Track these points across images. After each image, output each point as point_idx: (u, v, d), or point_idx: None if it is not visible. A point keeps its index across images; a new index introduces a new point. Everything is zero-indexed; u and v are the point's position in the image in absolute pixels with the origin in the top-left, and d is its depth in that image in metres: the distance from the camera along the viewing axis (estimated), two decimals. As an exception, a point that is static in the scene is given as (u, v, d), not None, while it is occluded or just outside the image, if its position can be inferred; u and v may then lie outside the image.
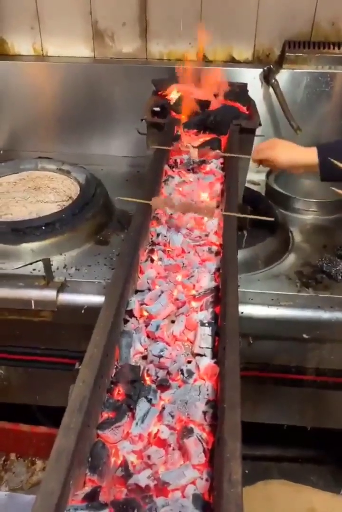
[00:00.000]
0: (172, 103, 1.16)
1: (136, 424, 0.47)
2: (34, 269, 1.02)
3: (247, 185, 1.30)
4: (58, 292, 0.92)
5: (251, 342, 0.97)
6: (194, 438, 0.45)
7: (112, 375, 0.53)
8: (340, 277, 1.05)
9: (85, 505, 0.39)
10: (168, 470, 0.44)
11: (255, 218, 0.88)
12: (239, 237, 1.11)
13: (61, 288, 0.94)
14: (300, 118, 1.45)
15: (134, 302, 0.61)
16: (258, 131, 1.13)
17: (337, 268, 1.07)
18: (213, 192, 0.89)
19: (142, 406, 0.48)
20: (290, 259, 1.15)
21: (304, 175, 1.49)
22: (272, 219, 1.11)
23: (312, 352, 1.00)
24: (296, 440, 1.25)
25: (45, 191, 1.33)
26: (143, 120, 1.08)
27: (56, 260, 1.06)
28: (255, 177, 1.51)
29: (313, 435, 1.15)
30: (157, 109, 1.11)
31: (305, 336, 0.94)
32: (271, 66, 1.47)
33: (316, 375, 1.02)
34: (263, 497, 0.62)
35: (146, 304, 0.62)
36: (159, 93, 1.23)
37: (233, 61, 1.57)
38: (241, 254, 1.06)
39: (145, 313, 0.61)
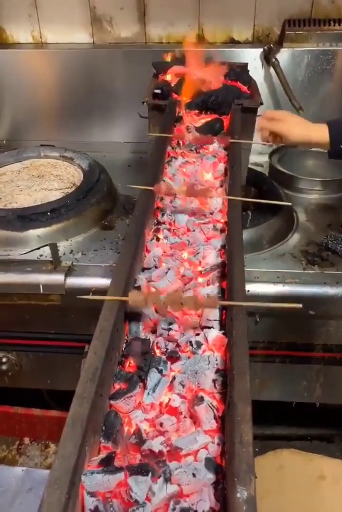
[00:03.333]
0: (172, 85, 1.16)
1: (148, 393, 0.48)
2: (41, 255, 1.03)
3: (250, 166, 1.30)
4: (65, 275, 0.93)
5: (258, 320, 0.98)
6: (205, 405, 0.46)
7: (123, 349, 0.54)
8: (345, 253, 1.05)
9: (101, 470, 0.40)
10: (180, 436, 0.45)
11: (270, 203, 0.88)
12: (244, 217, 1.11)
13: (69, 272, 0.95)
14: (301, 97, 1.44)
15: (142, 279, 0.62)
16: (260, 110, 1.13)
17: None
18: (216, 172, 0.89)
19: (153, 376, 0.49)
20: (295, 238, 1.15)
21: (308, 154, 1.51)
22: (289, 203, 1.12)
23: (319, 329, 1.00)
24: (305, 418, 1.27)
25: (49, 178, 1.34)
26: (145, 103, 1.08)
27: (63, 246, 1.07)
28: (258, 158, 1.51)
29: (322, 412, 1.16)
30: (158, 91, 1.11)
31: (311, 312, 0.95)
32: (271, 45, 1.46)
33: (323, 351, 1.03)
34: (273, 466, 0.63)
35: (154, 281, 0.63)
36: (160, 75, 1.23)
37: (232, 42, 1.56)
38: (246, 234, 1.07)
39: (153, 290, 0.62)
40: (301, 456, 0.65)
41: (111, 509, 0.39)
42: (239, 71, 1.24)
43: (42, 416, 1.22)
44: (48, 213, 1.08)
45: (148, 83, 1.20)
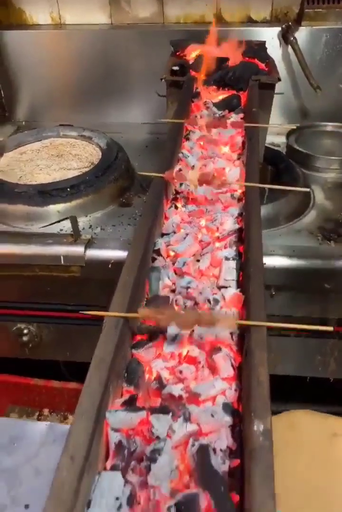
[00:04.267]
0: (190, 62, 1.17)
1: (168, 343, 0.50)
2: (61, 229, 1.06)
3: (267, 145, 1.30)
4: (85, 247, 0.96)
5: (273, 293, 0.99)
6: (222, 354, 0.48)
7: (144, 305, 0.56)
8: (362, 230, 1.06)
9: (124, 408, 0.42)
10: (199, 384, 0.47)
11: (288, 189, 0.89)
12: (260, 193, 1.12)
13: (89, 244, 0.97)
14: (319, 76, 1.43)
15: (161, 243, 0.64)
16: (277, 88, 1.13)
17: (359, 221, 1.08)
18: (234, 145, 0.90)
19: (173, 328, 0.51)
20: (311, 215, 1.15)
21: (325, 134, 1.50)
22: (308, 189, 1.12)
23: (334, 303, 1.01)
24: (319, 394, 1.28)
25: (68, 158, 1.36)
26: (163, 79, 1.09)
27: (82, 221, 1.09)
28: (276, 139, 1.50)
29: (336, 388, 1.17)
30: (176, 68, 1.12)
31: (326, 286, 0.96)
32: (290, 23, 1.45)
33: (337, 325, 1.04)
34: (287, 425, 0.65)
35: (172, 245, 0.65)
36: (177, 53, 1.24)
37: (250, 22, 1.55)
38: (262, 210, 1.05)
39: (171, 253, 0.64)
40: (315, 415, 0.67)
41: (134, 444, 0.41)
42: (257, 49, 1.24)
43: (61, 388, 1.26)
44: (68, 189, 1.11)
45: (165, 64, 1.21)
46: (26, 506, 0.57)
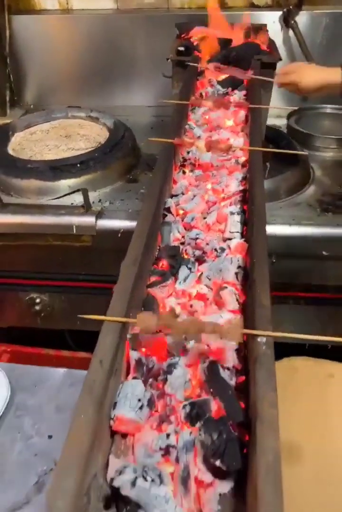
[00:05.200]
0: (195, 43, 1.22)
1: (179, 283, 0.56)
2: (72, 203, 1.11)
3: (268, 126, 1.35)
4: (96, 217, 1.01)
5: (274, 260, 1.04)
6: (228, 290, 0.53)
7: (156, 254, 0.62)
8: (358, 202, 1.11)
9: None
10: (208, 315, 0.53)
11: (287, 152, 0.95)
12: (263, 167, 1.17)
13: (99, 215, 1.03)
14: (320, 59, 1.46)
15: (170, 203, 0.70)
16: (278, 67, 1.18)
17: (356, 194, 1.13)
18: (238, 119, 0.95)
19: (183, 271, 0.57)
20: (311, 190, 1.21)
21: (324, 116, 1.55)
22: (306, 153, 1.18)
23: (332, 270, 1.06)
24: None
25: (76, 138, 1.41)
26: (169, 59, 1.14)
27: (91, 196, 1.14)
28: (277, 121, 1.55)
29: (334, 355, 1.23)
30: (181, 48, 1.17)
31: (324, 253, 1.01)
32: (291, 7, 1.50)
33: (335, 292, 1.09)
34: (287, 369, 0.70)
35: (181, 204, 0.70)
36: (183, 35, 1.28)
37: (252, 6, 1.60)
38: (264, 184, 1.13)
39: (181, 211, 0.69)
40: (313, 361, 0.72)
41: (151, 362, 0.47)
42: (258, 31, 1.29)
43: (71, 357, 1.31)
44: (78, 165, 1.16)
45: (170, 47, 1.25)
46: (50, 436, 0.63)
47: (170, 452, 0.39)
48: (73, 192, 1.09)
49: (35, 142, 1.39)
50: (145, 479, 0.37)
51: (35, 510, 0.54)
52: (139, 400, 0.42)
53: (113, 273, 0.88)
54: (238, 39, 1.22)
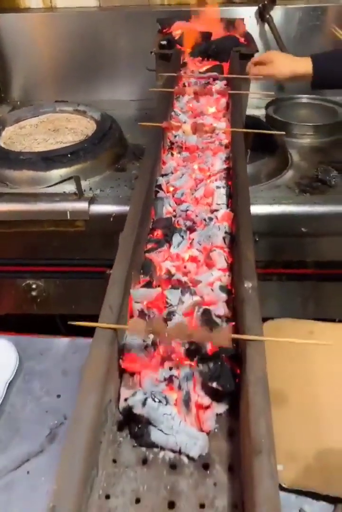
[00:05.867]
0: (176, 38, 1.28)
1: (174, 248, 0.62)
2: (64, 191, 1.16)
3: (248, 115, 1.42)
4: (89, 203, 1.07)
5: (257, 239, 1.11)
6: (217, 252, 0.60)
7: (150, 227, 0.68)
8: (333, 182, 1.19)
9: (144, 285, 0.54)
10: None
11: (267, 133, 1.02)
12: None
13: (92, 200, 1.08)
14: (294, 52, 1.53)
15: (161, 181, 0.76)
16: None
17: (331, 175, 1.21)
18: (219, 106, 1.02)
19: (176, 238, 0.63)
20: (289, 173, 1.28)
21: (300, 105, 1.64)
22: (283, 132, 1.25)
23: (311, 246, 1.14)
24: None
25: (64, 132, 1.46)
26: (152, 53, 1.20)
27: (82, 185, 1.18)
28: (256, 112, 1.63)
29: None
30: (164, 42, 1.23)
31: (303, 230, 1.09)
32: (265, 2, 1.57)
33: (315, 268, 1.17)
34: (271, 329, 0.77)
35: (171, 182, 0.76)
36: (164, 30, 1.34)
37: (229, 2, 1.67)
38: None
39: (171, 188, 0.76)
40: (295, 321, 0.80)
41: (152, 313, 0.53)
42: (236, 24, 1.36)
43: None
44: (69, 155, 1.21)
45: (151, 43, 1.31)
46: (58, 396, 0.68)
47: (173, 381, 0.46)
48: (66, 180, 1.14)
49: (25, 136, 1.44)
50: (154, 400, 0.43)
51: (49, 457, 0.60)
52: (144, 340, 0.48)
53: (106, 256, 0.94)
54: (217, 32, 1.29)
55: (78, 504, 0.34)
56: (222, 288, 0.56)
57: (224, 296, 0.56)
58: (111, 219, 1.08)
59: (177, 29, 1.33)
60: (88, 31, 1.64)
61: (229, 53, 1.20)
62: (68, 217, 1.06)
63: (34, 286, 1.20)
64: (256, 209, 1.08)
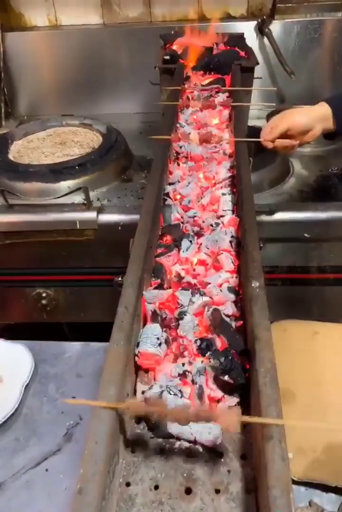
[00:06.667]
0: (179, 53, 1.32)
1: (183, 252, 0.65)
2: (73, 202, 1.20)
3: (249, 125, 1.46)
4: (98, 212, 1.10)
5: (262, 246, 1.14)
6: (225, 255, 0.63)
7: (160, 233, 0.71)
8: (334, 189, 1.22)
9: (156, 287, 0.57)
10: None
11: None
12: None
13: (100, 210, 1.12)
14: (292, 64, 1.60)
15: (169, 189, 0.79)
16: (257, 74, 1.29)
17: (332, 182, 1.24)
18: (222, 117, 1.06)
19: (185, 243, 0.66)
20: (291, 181, 1.32)
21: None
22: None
23: (314, 252, 1.17)
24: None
25: (70, 145, 1.50)
26: (156, 68, 1.24)
27: (90, 195, 1.23)
28: (257, 122, 1.66)
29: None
30: (167, 57, 1.27)
31: (306, 235, 1.12)
32: (264, 17, 1.62)
33: (318, 273, 1.20)
34: (277, 330, 0.80)
35: (178, 190, 0.80)
36: (167, 45, 1.39)
37: (229, 17, 1.72)
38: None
39: (178, 196, 0.79)
40: (300, 322, 0.82)
41: (164, 313, 0.56)
42: (237, 39, 1.40)
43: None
44: (76, 167, 1.25)
45: (153, 59, 1.35)
46: (73, 397, 0.71)
47: (186, 376, 0.49)
48: (74, 191, 1.17)
49: (32, 149, 1.48)
50: (169, 393, 0.45)
51: (66, 455, 0.62)
52: (158, 338, 0.51)
53: (115, 265, 0.97)
54: (218, 47, 1.33)
55: (102, 487, 0.36)
56: (230, 289, 0.59)
57: (232, 296, 0.58)
58: (119, 228, 1.11)
59: (179, 44, 1.37)
60: (93, 47, 1.69)
61: (230, 66, 1.24)
62: (78, 227, 1.10)
63: (44, 294, 1.23)
64: (260, 217, 1.11)
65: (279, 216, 1.11)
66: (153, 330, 0.52)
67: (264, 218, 1.12)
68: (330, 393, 0.72)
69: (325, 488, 0.59)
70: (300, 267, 1.20)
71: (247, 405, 0.48)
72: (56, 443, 0.63)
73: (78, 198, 1.19)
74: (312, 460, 0.60)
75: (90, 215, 1.10)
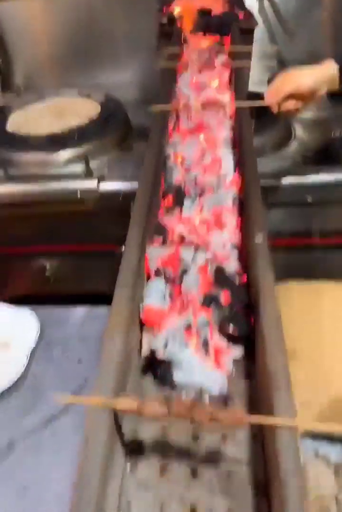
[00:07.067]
0: (176, 16, 1.29)
1: (185, 212, 0.64)
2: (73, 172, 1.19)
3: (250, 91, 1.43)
4: (98, 181, 1.09)
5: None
6: (228, 214, 0.62)
7: (162, 194, 0.70)
8: (335, 154, 1.21)
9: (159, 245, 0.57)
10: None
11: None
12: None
13: (101, 178, 1.10)
14: (293, 24, 1.57)
15: (170, 150, 0.78)
16: (256, 37, 1.26)
17: (334, 146, 1.23)
18: (222, 79, 1.03)
19: (187, 203, 0.66)
20: (293, 145, 1.30)
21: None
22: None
23: (316, 216, 1.16)
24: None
25: (69, 115, 1.47)
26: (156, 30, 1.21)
27: (90, 164, 1.22)
28: (258, 88, 1.64)
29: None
30: (164, 21, 1.24)
31: (309, 200, 1.11)
32: (264, -24, 1.57)
33: (321, 237, 1.19)
34: (281, 289, 0.80)
35: (180, 151, 0.78)
36: (164, 9, 1.35)
37: (228, -22, 1.67)
38: None
39: (179, 158, 0.78)
40: (304, 281, 0.83)
41: (167, 271, 0.56)
42: (236, 0, 1.36)
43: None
44: (76, 137, 1.23)
45: (150, 23, 1.32)
46: (79, 360, 0.72)
47: (191, 328, 0.49)
48: (74, 160, 1.16)
49: (31, 120, 1.45)
50: (174, 344, 0.46)
51: (72, 417, 0.64)
52: (162, 292, 0.51)
53: (116, 234, 0.97)
54: (217, 8, 1.30)
55: (108, 434, 0.37)
56: (233, 246, 0.59)
57: (235, 252, 0.58)
58: (120, 198, 1.10)
59: (177, 7, 1.33)
60: (87, 14, 1.65)
61: (229, 28, 1.21)
62: (78, 196, 1.09)
63: (47, 266, 1.23)
64: (263, 182, 1.09)
65: (282, 180, 1.10)
66: (157, 285, 0.52)
67: (266, 183, 1.11)
68: (333, 351, 0.73)
69: (331, 439, 0.60)
70: (303, 231, 1.19)
71: (252, 358, 0.49)
72: (63, 405, 0.64)
73: (77, 169, 1.18)
74: (317, 414, 0.61)
75: (91, 183, 1.09)
